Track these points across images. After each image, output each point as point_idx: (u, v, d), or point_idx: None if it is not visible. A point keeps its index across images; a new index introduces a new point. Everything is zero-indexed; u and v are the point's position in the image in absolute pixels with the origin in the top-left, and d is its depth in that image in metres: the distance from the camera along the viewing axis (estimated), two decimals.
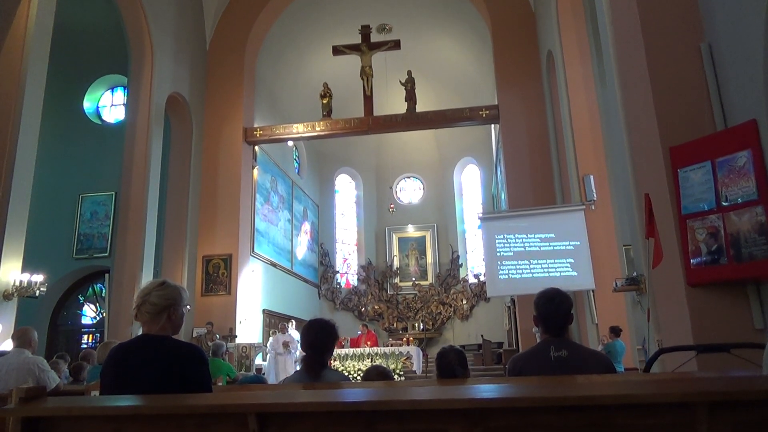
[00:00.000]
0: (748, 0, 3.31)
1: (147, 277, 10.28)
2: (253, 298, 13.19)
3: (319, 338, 2.64)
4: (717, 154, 3.53)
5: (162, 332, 2.15)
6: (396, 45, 13.65)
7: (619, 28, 4.89)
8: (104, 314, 11.57)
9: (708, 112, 3.81)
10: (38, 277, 8.38)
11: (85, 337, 14.28)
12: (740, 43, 3.48)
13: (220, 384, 6.54)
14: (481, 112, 13.02)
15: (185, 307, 2.25)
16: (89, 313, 14.40)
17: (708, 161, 3.58)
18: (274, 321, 14.46)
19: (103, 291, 12.83)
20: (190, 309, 2.45)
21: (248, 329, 12.52)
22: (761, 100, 3.22)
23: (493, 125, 15.18)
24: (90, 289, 14.39)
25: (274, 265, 14.74)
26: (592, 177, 9.00)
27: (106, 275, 10.81)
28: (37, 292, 8.38)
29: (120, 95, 15.04)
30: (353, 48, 13.67)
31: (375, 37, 14.18)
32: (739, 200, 3.36)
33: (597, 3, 6.06)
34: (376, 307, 19.62)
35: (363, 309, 19.61)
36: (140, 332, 2.22)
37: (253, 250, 13.36)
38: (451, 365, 2.76)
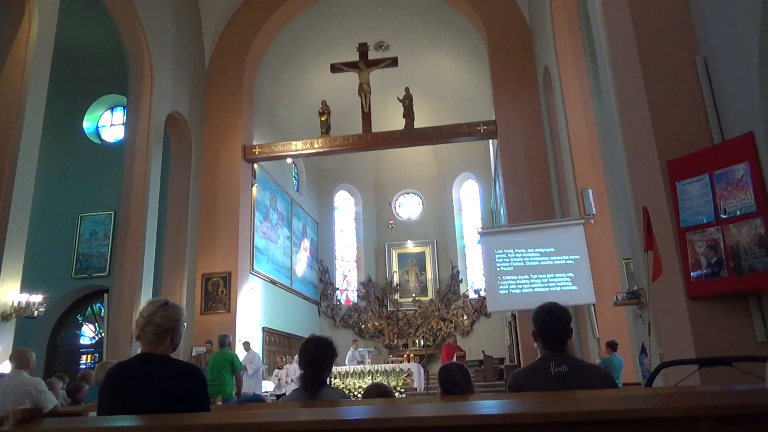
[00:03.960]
0: (742, 13, 3.34)
1: (146, 296, 10.24)
2: (253, 316, 13.13)
3: (318, 355, 2.62)
4: (715, 166, 3.54)
5: (164, 352, 2.14)
6: (393, 62, 13.75)
7: (614, 43, 4.93)
8: (103, 334, 11.51)
9: (705, 125, 3.83)
10: (37, 298, 8.33)
11: (84, 357, 14.19)
12: (735, 56, 3.50)
13: (219, 403, 6.49)
14: (479, 128, 13.09)
15: (184, 326, 2.25)
16: (88, 333, 14.32)
17: (706, 174, 3.58)
18: (274, 339, 14.39)
19: (102, 311, 12.78)
20: (187, 326, 2.45)
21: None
22: (757, 113, 3.24)
23: (491, 140, 15.25)
24: (89, 308, 14.33)
25: (273, 282, 14.70)
26: (590, 191, 9.00)
27: (105, 295, 10.78)
28: (36, 312, 8.33)
29: (120, 115, 15.13)
30: (351, 65, 13.77)
31: (372, 55, 14.30)
32: (738, 212, 3.36)
33: (592, 19, 6.12)
34: (376, 323, 19.53)
35: (363, 326, 19.52)
36: (139, 351, 2.21)
37: (253, 268, 13.33)
38: (454, 381, 2.74)
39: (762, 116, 3.20)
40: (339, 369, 11.97)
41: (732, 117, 3.65)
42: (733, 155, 3.43)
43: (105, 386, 2.11)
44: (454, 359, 11.84)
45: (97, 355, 13.61)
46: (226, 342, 8.16)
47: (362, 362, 13.45)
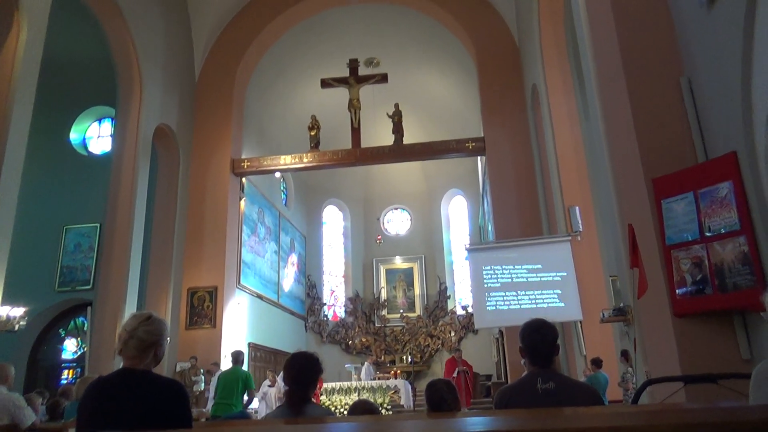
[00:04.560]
0: (725, 35, 3.40)
1: (130, 310, 10.10)
2: (239, 331, 12.99)
3: (302, 372, 2.58)
4: (699, 185, 3.58)
5: (146, 368, 2.11)
6: (383, 78, 13.84)
7: (600, 63, 5.00)
8: (86, 348, 11.32)
9: (689, 144, 3.88)
10: (18, 311, 8.19)
11: (66, 372, 13.95)
12: (718, 77, 3.57)
13: (202, 420, 6.40)
14: (467, 145, 13.16)
15: (167, 340, 2.22)
16: (70, 348, 14.08)
17: (690, 192, 3.63)
18: (260, 354, 14.23)
19: (86, 324, 12.60)
20: (171, 341, 2.42)
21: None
22: (740, 133, 3.29)
23: (479, 157, 15.34)
24: (72, 322, 14.12)
25: (260, 297, 14.58)
26: (577, 208, 9.06)
27: (89, 308, 10.62)
28: (17, 326, 8.18)
29: (107, 126, 15.05)
30: (341, 81, 13.84)
31: (363, 71, 14.39)
32: (722, 230, 3.40)
33: (579, 39, 6.21)
34: (363, 339, 19.41)
35: (350, 342, 19.38)
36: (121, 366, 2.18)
37: (239, 282, 13.22)
38: (441, 397, 2.72)
39: (744, 136, 3.25)
40: (324, 385, 11.84)
41: (716, 136, 3.70)
42: (717, 174, 3.48)
43: (84, 402, 2.07)
44: (455, 374, 11.77)
45: (79, 370, 13.37)
46: (240, 359, 7.81)
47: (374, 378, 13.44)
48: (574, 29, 6.68)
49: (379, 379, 13.15)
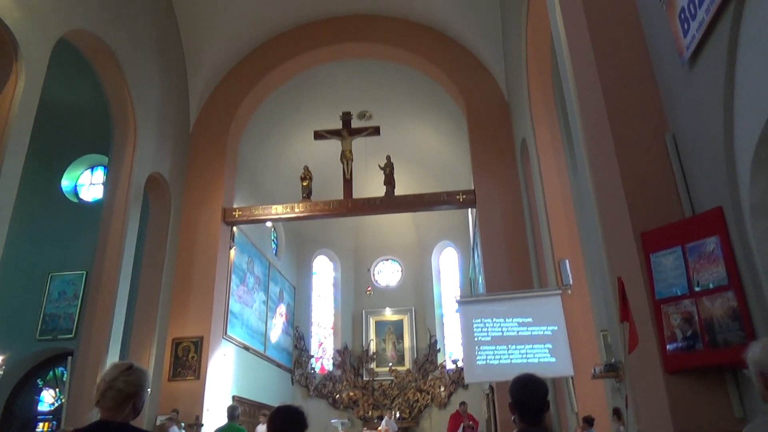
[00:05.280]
0: (707, 92, 3.51)
1: (113, 360, 9.83)
2: (223, 383, 12.66)
3: (287, 426, 2.49)
4: (687, 239, 3.60)
5: (124, 420, 2.03)
6: (376, 131, 14.08)
7: (587, 120, 5.11)
8: (63, 400, 10.95)
9: (676, 198, 3.93)
10: None
11: (41, 425, 13.43)
12: (702, 134, 3.65)
13: None
14: (458, 197, 13.28)
15: (147, 391, 2.15)
16: (47, 399, 13.62)
17: (678, 246, 3.64)
18: (245, 408, 13.82)
19: (65, 375, 12.22)
20: (153, 393, 2.35)
21: (216, 417, 11.90)
22: (725, 188, 3.34)
23: (470, 209, 15.45)
24: (51, 372, 13.70)
25: (246, 348, 14.29)
26: (567, 261, 9.07)
27: (69, 358, 10.33)
28: None
29: (99, 174, 15.08)
30: (334, 133, 14.06)
31: (355, 123, 14.65)
32: (711, 285, 3.40)
33: (566, 96, 6.37)
34: (351, 393, 18.94)
35: (337, 396, 18.90)
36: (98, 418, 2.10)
37: (226, 333, 12.97)
38: None
39: (730, 191, 3.30)
40: None
41: (702, 191, 3.75)
42: (704, 229, 3.50)
43: None
44: (460, 431, 11.39)
45: (54, 423, 12.90)
46: (235, 415, 7.57)
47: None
48: (562, 86, 6.87)
49: None
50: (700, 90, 3.60)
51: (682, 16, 3.63)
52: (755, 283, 3.14)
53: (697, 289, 3.48)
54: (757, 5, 2.91)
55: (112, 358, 9.99)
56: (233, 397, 13.09)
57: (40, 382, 13.72)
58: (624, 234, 4.13)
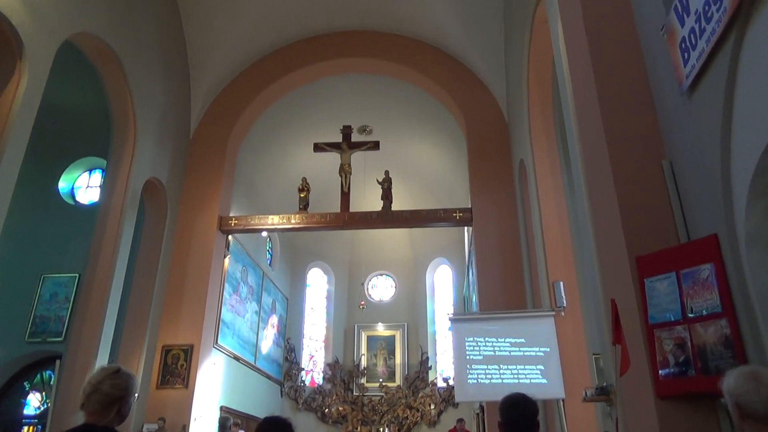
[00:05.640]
0: (705, 121, 3.55)
1: (101, 364, 9.74)
2: (212, 393, 12.54)
3: None
4: (681, 265, 3.62)
5: (109, 424, 2.01)
6: (375, 146, 14.13)
7: (586, 143, 5.16)
8: (50, 404, 10.83)
9: (671, 224, 3.96)
10: None
11: (26, 429, 13.25)
12: (699, 162, 3.68)
13: None
14: (455, 214, 13.30)
15: (134, 396, 2.13)
16: (33, 403, 13.44)
17: (673, 272, 3.66)
18: (234, 420, 13.68)
19: (52, 378, 12.09)
20: (141, 401, 2.32)
21: (203, 427, 11.79)
22: (721, 215, 3.36)
23: (466, 228, 15.47)
24: (38, 375, 13.55)
25: (237, 358, 14.19)
26: (561, 283, 9.07)
27: (58, 361, 10.23)
28: None
29: (97, 177, 15.06)
30: (334, 146, 14.10)
31: (356, 137, 14.71)
32: (704, 312, 3.41)
33: (566, 118, 6.43)
34: (340, 408, 18.78)
35: (327, 410, 18.74)
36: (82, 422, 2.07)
37: (217, 342, 12.89)
38: None
39: (725, 219, 3.32)
40: None
41: (697, 218, 3.78)
42: (699, 255, 3.52)
43: None
44: None
45: (40, 427, 12.74)
46: (227, 425, 7.47)
47: None
48: (561, 109, 6.93)
49: None
50: (698, 119, 3.64)
51: (683, 45, 3.68)
52: (748, 311, 3.15)
53: (690, 315, 3.48)
54: (757, 38, 2.96)
55: (101, 362, 9.90)
56: (221, 407, 12.98)
57: (27, 385, 13.56)
58: (619, 258, 4.14)
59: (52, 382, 11.95)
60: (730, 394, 2.03)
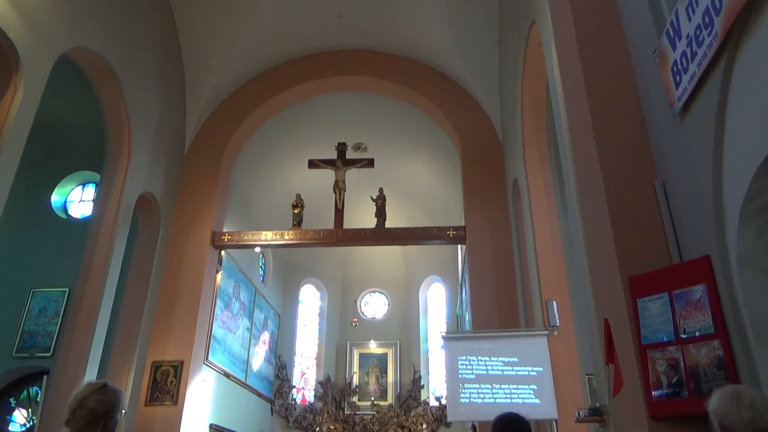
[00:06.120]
0: (696, 143, 3.59)
1: (90, 380, 9.60)
2: (201, 410, 12.38)
3: None
4: (674, 286, 3.63)
5: None
6: (370, 163, 14.17)
7: (579, 164, 5.20)
8: (35, 421, 10.65)
9: (664, 245, 3.98)
10: None
11: None
12: (691, 183, 3.72)
13: None
14: (448, 232, 13.31)
15: (121, 413, 2.09)
16: (19, 420, 13.22)
17: (666, 293, 3.67)
18: None
19: (39, 395, 11.90)
20: (128, 418, 2.29)
21: None
22: (713, 236, 3.38)
23: (459, 246, 15.47)
24: (25, 392, 13.33)
25: (227, 375, 14.04)
26: (555, 303, 9.07)
27: (45, 377, 10.07)
28: None
29: (90, 191, 14.99)
30: (328, 163, 14.14)
31: (350, 155, 14.75)
32: (697, 333, 3.41)
33: (560, 138, 6.49)
34: (331, 426, 18.57)
35: (318, 429, 18.52)
36: None
37: (207, 358, 12.75)
38: None
39: (717, 240, 3.34)
40: None
41: (690, 239, 3.80)
42: (691, 276, 3.54)
43: None
44: None
45: None
46: None
47: None
48: (555, 129, 6.99)
49: None
50: (690, 141, 3.69)
51: (675, 68, 3.74)
52: (741, 332, 3.16)
53: (683, 336, 3.49)
54: (747, 62, 3.01)
55: (90, 378, 9.72)
56: (211, 425, 12.81)
57: (12, 401, 13.34)
58: (612, 278, 4.16)
59: (38, 399, 11.76)
60: (714, 414, 2.05)
